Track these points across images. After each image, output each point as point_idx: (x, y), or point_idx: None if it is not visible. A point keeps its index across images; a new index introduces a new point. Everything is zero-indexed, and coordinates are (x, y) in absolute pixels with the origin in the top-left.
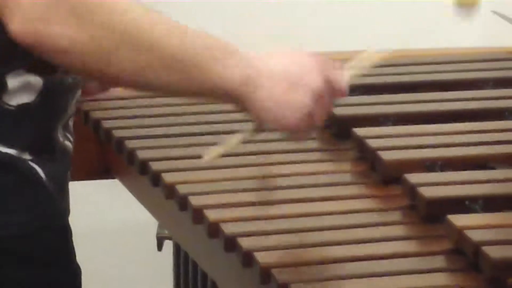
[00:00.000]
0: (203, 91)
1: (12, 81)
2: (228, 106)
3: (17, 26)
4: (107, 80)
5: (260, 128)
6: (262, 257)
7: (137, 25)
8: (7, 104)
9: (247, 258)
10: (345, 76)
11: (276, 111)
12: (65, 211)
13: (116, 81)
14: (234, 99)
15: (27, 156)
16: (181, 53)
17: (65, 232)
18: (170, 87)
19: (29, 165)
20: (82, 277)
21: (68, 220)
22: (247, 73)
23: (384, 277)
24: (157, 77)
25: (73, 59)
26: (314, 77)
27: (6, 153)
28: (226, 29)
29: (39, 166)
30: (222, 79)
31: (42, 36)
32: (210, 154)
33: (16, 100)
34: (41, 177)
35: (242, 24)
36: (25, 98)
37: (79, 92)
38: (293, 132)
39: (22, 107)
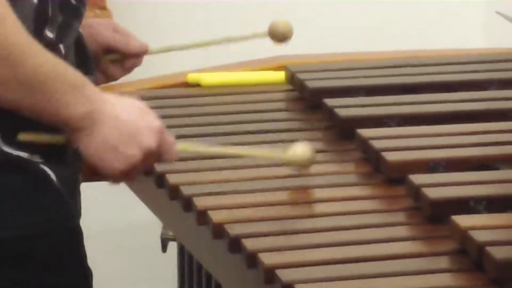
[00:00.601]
0: (45, 116)
1: None
2: (231, 108)
3: None
4: None
5: None
6: (266, 258)
7: (7, 41)
8: None
9: (252, 259)
10: (176, 146)
11: (104, 154)
12: (76, 214)
13: None
14: (72, 131)
15: (38, 159)
16: (34, 76)
17: (76, 235)
18: (14, 104)
19: (40, 167)
20: None
21: (79, 223)
22: (91, 111)
23: (389, 278)
24: (10, 92)
25: None
26: (151, 137)
27: (18, 156)
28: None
29: (50, 168)
30: (64, 111)
31: None
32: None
33: None
34: (52, 180)
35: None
36: None
37: None
38: (109, 176)
39: None
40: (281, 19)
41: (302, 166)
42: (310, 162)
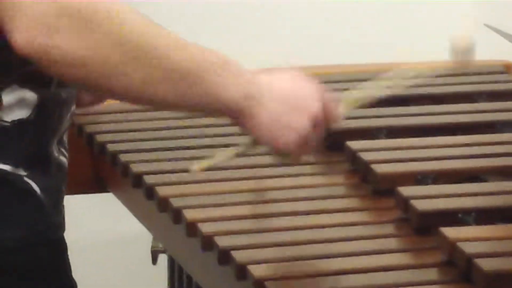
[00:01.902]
0: (204, 105)
1: (7, 97)
2: (223, 120)
3: (20, 36)
4: (111, 94)
5: (254, 144)
6: (256, 270)
7: (144, 40)
8: (2, 120)
9: (241, 271)
10: (339, 104)
11: (274, 131)
12: (60, 226)
13: (121, 95)
14: (234, 114)
15: (22, 172)
16: (185, 67)
17: (61, 247)
18: (172, 100)
19: (24, 180)
20: None
21: (63, 235)
22: (250, 90)
23: None
24: (161, 91)
25: (76, 72)
26: (314, 102)
27: (1, 169)
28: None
29: (34, 181)
30: (225, 94)
31: (47, 48)
32: (199, 165)
33: (11, 116)
34: (36, 192)
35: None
36: (20, 114)
37: (73, 107)
38: (286, 154)
39: (17, 123)
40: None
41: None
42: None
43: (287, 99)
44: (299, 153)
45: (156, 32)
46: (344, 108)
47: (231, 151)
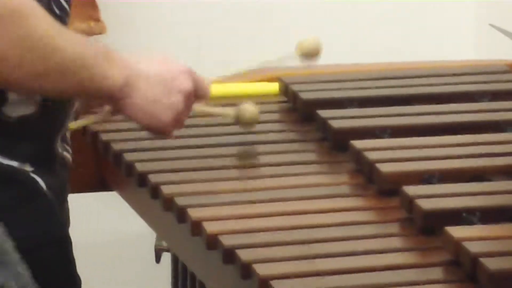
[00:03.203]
0: (89, 94)
1: (12, 93)
2: (227, 119)
3: None
4: (8, 87)
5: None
6: (261, 269)
7: (41, 34)
8: (8, 116)
9: (246, 270)
10: (208, 80)
11: (151, 111)
12: (65, 222)
13: (17, 87)
14: (113, 98)
15: (28, 168)
16: (75, 59)
17: (66, 243)
18: (63, 90)
19: (30, 176)
20: None
21: (68, 231)
22: (127, 75)
23: None
24: (53, 81)
25: None
26: (185, 80)
27: (8, 165)
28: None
29: (40, 177)
30: (105, 79)
31: None
32: (75, 124)
33: (16, 112)
34: (42, 188)
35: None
36: (26, 110)
37: (77, 104)
38: (163, 132)
39: (23, 119)
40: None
41: (248, 124)
42: (255, 120)
43: (161, 80)
44: (173, 129)
45: (50, 24)
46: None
47: (92, 117)
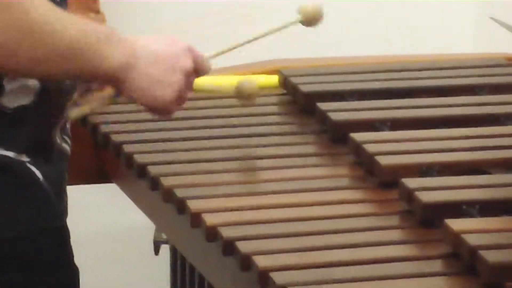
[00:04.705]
0: (89, 74)
1: (9, 84)
2: (227, 111)
3: None
4: (7, 72)
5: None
6: (260, 261)
7: (38, 20)
8: (5, 107)
9: (246, 262)
10: (207, 57)
11: (153, 90)
12: (63, 213)
13: (17, 73)
14: (114, 79)
15: (24, 158)
16: (74, 41)
17: (63, 234)
18: (64, 73)
19: (27, 166)
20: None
21: (66, 222)
22: (128, 55)
23: (381, 281)
24: (53, 66)
25: None
26: (186, 59)
27: (4, 155)
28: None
29: (37, 167)
30: (105, 60)
31: None
32: (75, 113)
33: (13, 103)
34: (38, 179)
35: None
36: (23, 101)
37: (75, 95)
38: (164, 111)
39: (20, 109)
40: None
41: (247, 98)
42: (255, 94)
43: (161, 60)
44: (175, 108)
45: (47, 14)
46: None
47: (92, 104)
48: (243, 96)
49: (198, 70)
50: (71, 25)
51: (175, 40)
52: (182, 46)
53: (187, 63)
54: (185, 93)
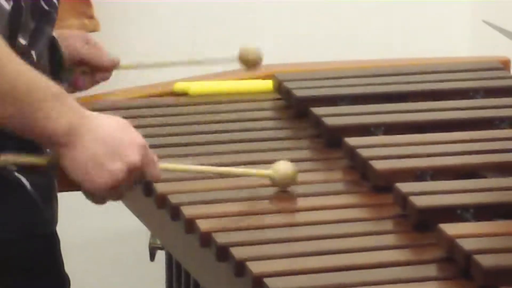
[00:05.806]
0: (29, 129)
1: None
2: (221, 117)
3: None
4: None
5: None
6: (254, 267)
7: None
8: None
9: (240, 268)
10: (159, 165)
11: (88, 169)
12: (51, 220)
13: None
14: (56, 146)
15: (12, 167)
16: (19, 86)
17: (52, 241)
18: (6, 121)
19: (14, 175)
20: (74, 287)
21: (55, 229)
22: (74, 123)
23: (376, 286)
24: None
25: None
26: (135, 153)
27: None
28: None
29: (24, 176)
30: (52, 124)
31: None
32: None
33: None
34: (26, 186)
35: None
36: None
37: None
38: (94, 195)
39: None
40: (250, 46)
41: (284, 184)
42: (293, 180)
43: (109, 142)
44: (106, 197)
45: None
46: (163, 166)
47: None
48: (246, 62)
49: (145, 172)
50: (19, 71)
51: (131, 130)
52: (136, 139)
53: (134, 157)
54: (123, 187)
